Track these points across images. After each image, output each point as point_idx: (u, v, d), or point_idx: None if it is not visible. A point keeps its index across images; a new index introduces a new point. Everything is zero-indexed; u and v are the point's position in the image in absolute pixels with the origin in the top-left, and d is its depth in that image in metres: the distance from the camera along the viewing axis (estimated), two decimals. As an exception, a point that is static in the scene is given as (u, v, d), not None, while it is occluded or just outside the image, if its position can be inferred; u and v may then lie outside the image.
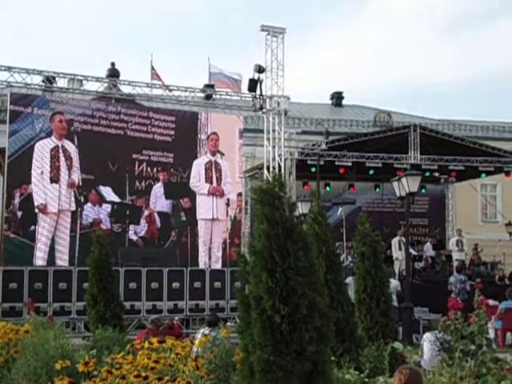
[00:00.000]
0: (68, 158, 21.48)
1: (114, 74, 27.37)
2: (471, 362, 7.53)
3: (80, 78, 22.57)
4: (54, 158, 21.21)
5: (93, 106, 22.53)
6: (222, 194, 23.75)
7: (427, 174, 26.59)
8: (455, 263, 25.13)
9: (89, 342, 13.56)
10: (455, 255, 26.50)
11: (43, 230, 20.79)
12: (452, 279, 22.27)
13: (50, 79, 21.65)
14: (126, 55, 75.75)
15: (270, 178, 6.05)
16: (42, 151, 21.12)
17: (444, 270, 25.85)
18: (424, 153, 25.83)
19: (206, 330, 11.48)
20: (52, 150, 21.25)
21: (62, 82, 22.21)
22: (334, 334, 6.11)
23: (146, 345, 7.84)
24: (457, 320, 8.25)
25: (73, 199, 21.41)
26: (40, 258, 20.63)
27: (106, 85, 23.40)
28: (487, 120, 42.29)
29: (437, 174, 29.30)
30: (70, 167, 21.44)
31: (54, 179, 21.14)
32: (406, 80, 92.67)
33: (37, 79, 21.49)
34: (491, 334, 13.56)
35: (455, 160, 26.63)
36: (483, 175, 29.04)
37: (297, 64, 77.08)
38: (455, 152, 26.38)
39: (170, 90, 23.64)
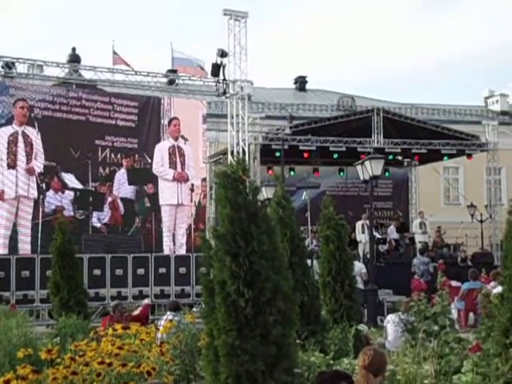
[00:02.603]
0: (28, 144, 21.15)
1: (74, 59, 27.01)
2: (434, 343, 7.61)
3: (40, 63, 22.24)
4: (12, 143, 20.85)
5: (54, 91, 22.21)
6: (186, 180, 23.65)
7: (390, 157, 26.79)
8: (418, 245, 25.40)
9: (52, 329, 13.45)
10: (418, 237, 26.77)
11: (2, 217, 20.47)
12: (415, 261, 22.49)
13: (9, 65, 21.29)
14: (87, 40, 74.87)
15: (234, 163, 6.02)
16: (0, 138, 20.78)
17: (407, 253, 26.09)
18: (387, 136, 26.01)
19: (169, 315, 11.45)
20: (11, 135, 20.91)
21: (21, 68, 21.86)
22: (298, 317, 6.12)
23: (110, 331, 7.79)
24: (420, 301, 8.32)
25: (33, 186, 21.11)
26: (1, 246, 20.34)
27: (66, 70, 23.10)
28: (450, 103, 42.68)
29: (400, 158, 29.56)
30: (29, 153, 21.11)
31: (11, 165, 20.80)
32: (369, 64, 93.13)
33: (-4, 65, 21.15)
34: (454, 315, 13.72)
35: (418, 143, 26.86)
36: (446, 158, 29.38)
37: (260, 48, 76.94)
38: (418, 135, 26.60)
39: (133, 74, 23.39)
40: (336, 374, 4.23)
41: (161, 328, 8.82)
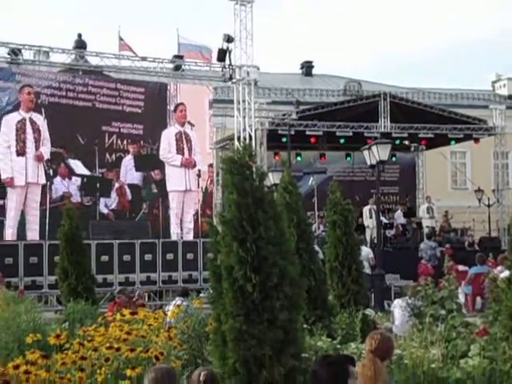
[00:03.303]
0: (36, 130, 21.20)
1: (80, 45, 26.96)
2: (441, 327, 7.62)
3: (46, 49, 22.24)
4: (20, 130, 20.92)
5: (60, 78, 22.24)
6: (193, 166, 23.67)
7: (397, 142, 26.73)
8: (425, 230, 25.38)
9: (61, 315, 13.52)
10: (425, 222, 26.75)
11: (12, 203, 20.58)
12: (422, 246, 22.48)
13: (15, 51, 21.30)
14: (93, 26, 74.75)
15: (240, 148, 6.03)
16: (8, 124, 20.85)
17: (415, 237, 26.09)
18: (394, 121, 25.93)
19: (177, 300, 11.49)
20: (18, 122, 20.96)
21: (28, 54, 21.86)
22: (305, 302, 6.15)
23: (118, 317, 7.83)
24: (427, 286, 8.33)
25: (42, 172, 21.19)
26: (10, 232, 20.43)
27: (73, 56, 23.09)
28: (457, 88, 42.48)
29: (407, 142, 29.48)
30: (37, 140, 21.18)
31: (21, 152, 20.87)
32: (376, 49, 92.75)
33: (2, 51, 21.22)
34: (461, 299, 13.70)
35: (425, 128, 26.78)
36: (453, 143, 29.25)
37: (266, 33, 76.60)
38: (425, 120, 26.51)
39: (139, 60, 23.36)
40: (344, 358, 4.25)
41: (169, 313, 8.86)
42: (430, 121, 26.55)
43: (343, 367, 4.16)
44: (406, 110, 26.30)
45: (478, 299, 17.51)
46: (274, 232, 5.74)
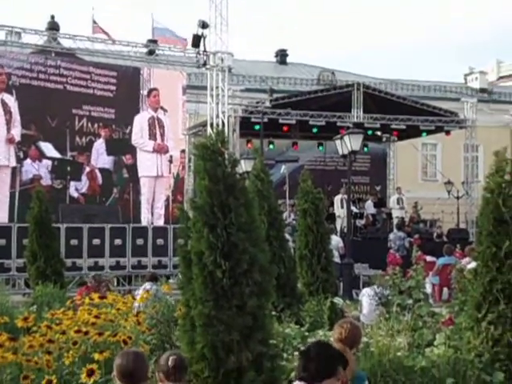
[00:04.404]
0: (7, 112, 20.97)
1: (53, 27, 26.63)
2: (408, 316, 7.72)
3: (18, 30, 22.00)
4: (-8, 112, 20.68)
5: (31, 59, 21.98)
6: (166, 151, 23.59)
7: (369, 132, 26.83)
8: (395, 221, 25.57)
9: (29, 298, 13.46)
10: (395, 213, 26.95)
11: (-20, 186, 20.35)
12: (391, 236, 22.65)
13: (-14, 31, 21.01)
14: (67, 8, 73.94)
15: (213, 135, 6.03)
16: (-22, 105, 20.58)
17: (384, 228, 26.28)
18: (367, 111, 26.02)
19: (147, 285, 11.50)
20: (-11, 104, 20.72)
21: (-1, 35, 21.58)
22: (275, 290, 6.19)
23: (87, 301, 7.81)
24: (395, 275, 8.42)
25: (12, 155, 20.96)
26: (-22, 215, 20.22)
27: (45, 38, 22.82)
28: (429, 80, 42.75)
29: (379, 133, 29.59)
30: (9, 122, 20.95)
31: (-8, 134, 20.64)
32: (350, 39, 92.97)
33: (-27, 31, 20.85)
34: (428, 289, 13.89)
35: (397, 119, 26.91)
36: (424, 134, 29.47)
37: (241, 21, 76.39)
38: (397, 111, 26.65)
39: (113, 43, 23.18)
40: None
41: (138, 298, 8.86)
42: (402, 112, 26.69)
43: (334, 364, 4.11)
44: (379, 100, 26.40)
45: (445, 290, 17.71)
46: (244, 219, 5.76)
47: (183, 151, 24.71)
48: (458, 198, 30.27)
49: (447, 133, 28.82)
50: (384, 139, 31.88)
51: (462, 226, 28.93)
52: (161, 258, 19.90)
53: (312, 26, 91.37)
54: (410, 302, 7.98)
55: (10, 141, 20.93)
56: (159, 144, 23.49)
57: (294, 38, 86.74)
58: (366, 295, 10.58)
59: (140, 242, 19.78)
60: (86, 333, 6.61)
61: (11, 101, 21.01)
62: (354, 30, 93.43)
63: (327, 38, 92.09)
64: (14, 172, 20.96)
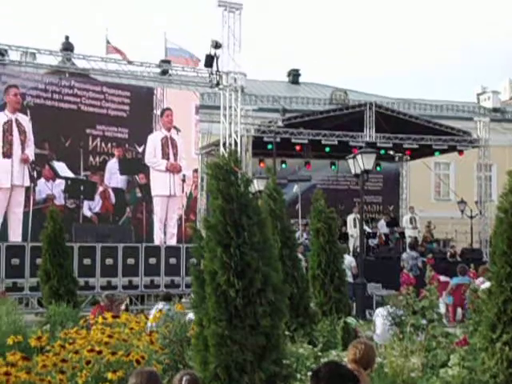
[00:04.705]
0: (22, 132, 21.11)
1: (67, 47, 26.92)
2: (422, 336, 7.68)
3: (33, 51, 22.19)
4: (7, 132, 20.82)
5: (46, 79, 22.15)
6: (178, 171, 23.65)
7: (382, 151, 26.82)
8: (408, 240, 25.47)
9: (42, 317, 13.46)
10: (408, 232, 26.85)
11: (-5, 205, 20.44)
12: (404, 256, 22.57)
13: (1, 52, 21.22)
14: (81, 29, 74.67)
15: (225, 155, 6.06)
16: (-6, 125, 20.72)
17: (397, 247, 26.18)
18: (379, 131, 26.02)
19: (160, 305, 11.48)
20: (5, 123, 20.85)
21: (14, 55, 21.79)
22: (288, 309, 6.18)
23: (100, 320, 7.81)
24: (408, 295, 8.39)
25: (26, 174, 21.07)
26: (-8, 234, 20.29)
27: (59, 58, 23.02)
28: (442, 99, 42.73)
29: (391, 152, 29.59)
30: (23, 142, 21.08)
31: (7, 154, 20.76)
32: (363, 59, 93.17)
33: (-12, 52, 21.05)
34: (442, 310, 13.79)
35: (410, 138, 26.89)
36: (437, 153, 29.42)
37: (254, 41, 76.81)
38: (410, 130, 26.64)
39: (127, 63, 23.34)
40: (353, 375, 4.10)
41: (150, 317, 8.85)
42: (414, 131, 26.68)
43: (350, 378, 4.05)
44: (392, 120, 26.40)
45: (459, 310, 17.61)
46: (258, 238, 5.77)
47: (196, 171, 24.76)
48: (471, 217, 30.12)
49: (460, 152, 28.77)
50: (397, 158, 31.86)
51: (476, 245, 28.76)
52: (173, 277, 19.92)
53: (324, 46, 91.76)
54: (424, 322, 7.94)
55: (25, 161, 21.06)
56: (172, 163, 23.57)
57: (306, 57, 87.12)
58: (380, 315, 10.51)
59: (153, 261, 19.81)
60: (99, 352, 6.60)
61: (25, 121, 21.16)
62: (366, 49, 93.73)
63: (340, 58, 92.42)
64: (28, 192, 21.05)
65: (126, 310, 12.08)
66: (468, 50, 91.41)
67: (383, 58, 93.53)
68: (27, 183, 21.08)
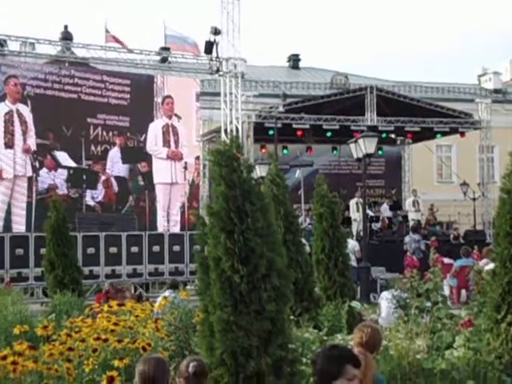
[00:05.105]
0: (23, 122, 21.11)
1: (67, 36, 26.80)
2: (427, 318, 7.69)
3: (32, 41, 22.13)
4: (8, 122, 20.82)
5: (46, 69, 22.13)
6: (180, 158, 23.64)
7: (384, 135, 26.80)
8: (411, 223, 25.49)
9: (47, 307, 13.52)
10: (411, 215, 26.88)
11: (-1, 196, 20.48)
12: (407, 239, 22.61)
13: (1, 42, 21.17)
14: (80, 18, 74.45)
15: (227, 141, 6.05)
16: (-4, 116, 20.72)
17: (400, 231, 26.20)
18: (381, 114, 25.99)
19: (166, 292, 11.53)
20: (6, 114, 20.84)
21: (13, 45, 21.77)
22: (292, 294, 6.19)
23: (106, 308, 7.84)
24: (413, 278, 8.40)
25: (28, 164, 21.09)
26: (-5, 225, 20.35)
27: (59, 48, 22.97)
28: (443, 81, 42.61)
29: (393, 136, 29.55)
30: (25, 132, 21.09)
31: (9, 144, 20.78)
32: (363, 42, 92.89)
33: (-13, 42, 21.00)
34: (446, 292, 13.84)
35: (411, 121, 26.87)
36: (439, 136, 29.38)
37: (253, 26, 76.48)
38: (411, 113, 26.61)
39: (126, 51, 23.29)
40: (345, 354, 4.05)
41: (156, 304, 8.89)
42: (416, 114, 26.65)
43: (336, 364, 4.02)
44: (393, 103, 26.37)
45: (463, 292, 17.65)
46: (261, 224, 5.77)
47: (198, 158, 24.76)
48: (474, 199, 30.12)
49: (462, 134, 28.74)
50: (398, 142, 31.82)
51: (479, 227, 28.79)
52: (177, 264, 19.98)
53: (324, 30, 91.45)
54: (429, 304, 7.95)
55: (27, 151, 21.08)
56: (173, 151, 23.56)
57: (306, 42, 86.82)
58: (385, 298, 10.55)
59: (156, 249, 19.86)
60: (106, 340, 6.62)
61: (26, 111, 21.15)
62: (366, 33, 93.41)
63: (340, 42, 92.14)
64: (31, 182, 21.08)
65: (139, 299, 12.08)
66: (468, 31, 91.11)
67: (383, 42, 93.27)
68: (30, 173, 21.11)
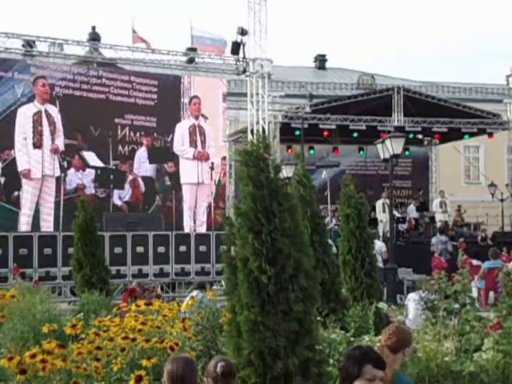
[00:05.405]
0: (51, 122, 21.31)
1: (94, 37, 27.02)
2: (455, 321, 7.63)
3: (61, 41, 22.33)
4: (37, 122, 21.04)
5: (74, 70, 22.32)
6: (206, 158, 23.72)
7: (411, 136, 26.65)
8: (438, 224, 25.31)
9: (75, 306, 13.61)
10: (438, 216, 26.69)
11: (27, 195, 20.70)
12: (434, 240, 22.44)
13: (30, 43, 21.37)
14: (107, 19, 74.97)
15: (255, 141, 6.05)
16: (25, 116, 20.95)
17: (427, 232, 26.02)
18: (407, 115, 25.86)
19: (194, 292, 11.57)
20: (35, 114, 21.06)
21: (42, 46, 22.00)
22: (319, 295, 6.17)
23: (133, 307, 7.87)
24: (440, 279, 8.34)
25: (57, 164, 21.29)
26: (24, 224, 20.57)
27: (87, 49, 23.15)
28: (471, 82, 42.29)
29: (420, 136, 29.38)
30: (53, 132, 21.29)
31: (37, 145, 20.99)
32: (390, 42, 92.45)
33: (17, 43, 21.23)
34: (474, 294, 13.72)
35: (438, 122, 26.70)
36: (466, 137, 29.17)
37: (280, 27, 76.48)
38: (438, 114, 26.44)
39: (153, 52, 23.43)
40: (364, 354, 4.02)
41: (183, 304, 8.91)
42: (443, 115, 26.47)
43: (356, 364, 4.00)
44: (420, 103, 26.21)
45: (491, 294, 17.48)
46: (289, 224, 5.76)
47: (224, 158, 24.81)
48: (502, 200, 29.84)
49: (490, 135, 28.49)
50: (425, 142, 31.64)
51: (507, 228, 28.53)
52: (204, 264, 19.99)
53: (351, 31, 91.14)
54: (457, 306, 7.89)
55: (56, 151, 21.28)
56: (199, 151, 23.64)
57: (332, 42, 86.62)
58: (412, 300, 10.49)
59: (183, 248, 19.89)
60: (134, 339, 6.65)
61: (55, 111, 21.35)
62: (393, 33, 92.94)
63: (366, 43, 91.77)
64: (59, 181, 21.27)
65: (158, 296, 12.16)
66: (496, 30, 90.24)
67: (409, 42, 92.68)
68: (58, 173, 21.30)
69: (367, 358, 4.00)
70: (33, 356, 6.10)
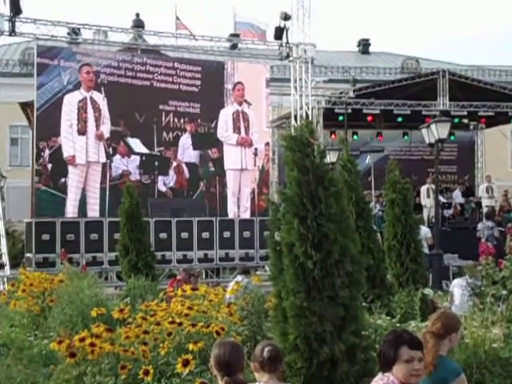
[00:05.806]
0: (97, 109, 21.52)
1: (138, 24, 27.24)
2: (503, 307, 7.54)
3: (105, 29, 22.53)
4: (82, 109, 21.26)
5: (118, 57, 22.48)
6: (250, 144, 23.72)
7: (456, 120, 26.28)
8: (485, 210, 24.97)
9: (121, 291, 13.80)
10: (485, 202, 26.31)
11: (73, 181, 20.98)
12: (480, 226, 22.12)
13: (75, 31, 21.60)
14: (151, 6, 75.20)
15: (299, 126, 6.03)
16: (70, 103, 21.17)
17: (473, 217, 25.69)
18: (453, 99, 25.51)
19: (238, 277, 11.62)
20: (80, 101, 21.29)
21: (87, 34, 22.26)
22: (365, 280, 6.15)
23: (180, 292, 7.95)
24: (488, 265, 8.25)
25: (102, 151, 21.51)
26: (71, 210, 20.85)
27: (131, 36, 23.30)
28: (517, 64, 41.54)
29: (466, 121, 28.95)
30: (98, 119, 21.49)
31: (82, 131, 21.22)
32: (435, 25, 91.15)
33: (62, 31, 21.45)
34: (522, 280, 13.51)
35: (485, 106, 26.29)
36: (513, 121, 28.66)
37: (323, 11, 75.86)
38: (485, 98, 26.01)
39: (196, 39, 23.48)
40: (399, 337, 4.03)
41: (229, 289, 8.97)
42: (489, 99, 26.04)
43: (392, 347, 4.00)
44: (465, 87, 25.83)
45: (539, 280, 17.21)
46: (334, 209, 5.75)
47: (267, 144, 24.77)
48: (549, 185, 29.32)
49: (537, 118, 27.96)
50: (471, 127, 31.17)
51: (555, 214, 27.99)
52: (248, 250, 20.07)
53: (394, 14, 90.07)
54: (505, 292, 7.79)
55: (100, 137, 21.49)
56: (243, 137, 23.65)
57: (376, 26, 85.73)
58: (458, 286, 10.39)
59: (227, 234, 19.99)
60: (180, 324, 6.73)
61: (100, 98, 21.55)
62: (437, 16, 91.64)
63: (410, 26, 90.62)
64: (104, 168, 21.49)
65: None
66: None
67: (454, 25, 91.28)
68: (103, 159, 21.52)
69: (402, 340, 4.00)
70: (82, 339, 6.22)
